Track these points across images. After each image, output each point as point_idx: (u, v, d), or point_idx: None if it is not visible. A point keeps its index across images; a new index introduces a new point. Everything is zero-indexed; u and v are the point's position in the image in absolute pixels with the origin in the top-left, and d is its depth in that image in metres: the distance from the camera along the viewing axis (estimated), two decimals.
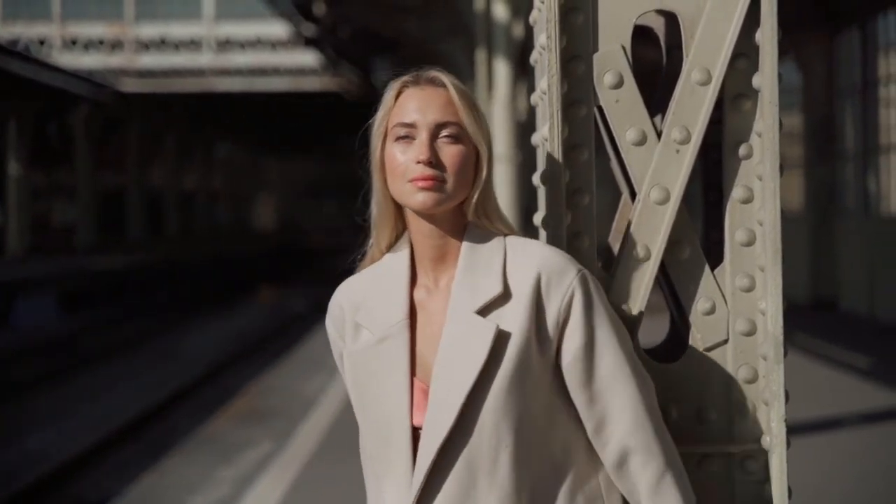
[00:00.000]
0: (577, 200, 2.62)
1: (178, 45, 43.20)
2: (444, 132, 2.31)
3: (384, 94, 2.38)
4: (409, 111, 2.33)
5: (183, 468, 11.67)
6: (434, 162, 2.28)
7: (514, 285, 2.31)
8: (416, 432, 2.31)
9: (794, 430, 2.68)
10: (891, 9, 17.42)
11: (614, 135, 2.64)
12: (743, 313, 2.67)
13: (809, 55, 19.60)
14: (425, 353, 2.34)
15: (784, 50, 3.55)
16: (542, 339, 2.30)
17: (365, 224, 2.46)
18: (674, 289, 2.67)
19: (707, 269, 2.66)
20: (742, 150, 2.68)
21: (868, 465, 8.65)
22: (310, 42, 31.81)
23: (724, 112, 2.69)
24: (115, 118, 44.23)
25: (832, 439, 9.31)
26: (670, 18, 2.81)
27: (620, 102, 2.63)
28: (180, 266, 38.87)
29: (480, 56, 13.86)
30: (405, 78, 2.38)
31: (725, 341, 2.66)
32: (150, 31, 43.18)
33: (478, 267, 2.33)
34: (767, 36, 2.60)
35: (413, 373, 2.33)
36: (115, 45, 43.12)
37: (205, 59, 43.14)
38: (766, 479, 2.64)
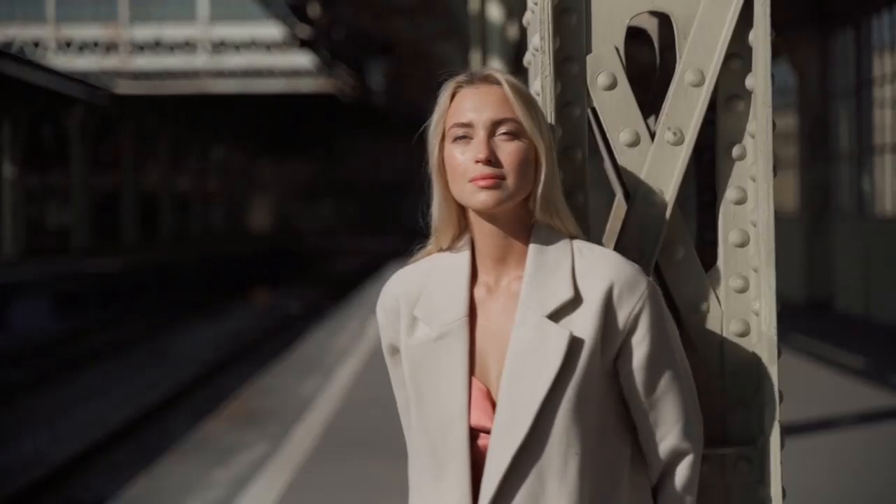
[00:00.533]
0: (571, 201, 2.61)
1: (172, 47, 43.20)
2: (502, 129, 2.29)
3: (439, 96, 2.38)
4: (464, 111, 2.31)
5: (177, 470, 11.65)
6: (493, 160, 2.27)
7: (585, 291, 2.29)
8: (471, 432, 2.29)
9: (788, 430, 2.67)
10: (885, 9, 17.43)
11: (608, 136, 2.64)
12: (737, 314, 2.66)
13: (803, 56, 19.61)
14: (485, 353, 2.32)
15: (778, 51, 3.57)
16: (606, 346, 2.29)
17: (422, 228, 2.44)
18: (668, 289, 2.66)
19: (701, 270, 2.66)
20: (735, 151, 2.67)
21: (863, 465, 8.65)
22: (304, 44, 31.79)
23: (718, 113, 2.69)
24: (109, 120, 44.22)
25: (826, 440, 9.31)
26: (663, 19, 2.81)
27: (614, 103, 2.63)
28: (174, 268, 38.85)
29: (475, 57, 13.85)
30: (459, 78, 2.37)
31: (720, 342, 2.66)
32: (144, 32, 43.19)
33: (546, 269, 2.31)
34: (760, 37, 2.60)
35: (471, 372, 2.31)
36: (110, 47, 43.11)
37: (199, 60, 43.15)
38: (761, 480, 2.63)
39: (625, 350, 2.31)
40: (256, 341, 23.50)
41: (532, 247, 2.33)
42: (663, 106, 2.65)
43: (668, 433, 2.36)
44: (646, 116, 2.69)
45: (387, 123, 53.90)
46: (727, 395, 2.66)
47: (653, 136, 2.64)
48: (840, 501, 7.66)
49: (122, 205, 47.26)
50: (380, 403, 11.83)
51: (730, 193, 2.68)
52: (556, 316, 2.28)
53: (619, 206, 2.81)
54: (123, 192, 47.24)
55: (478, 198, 2.27)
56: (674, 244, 2.65)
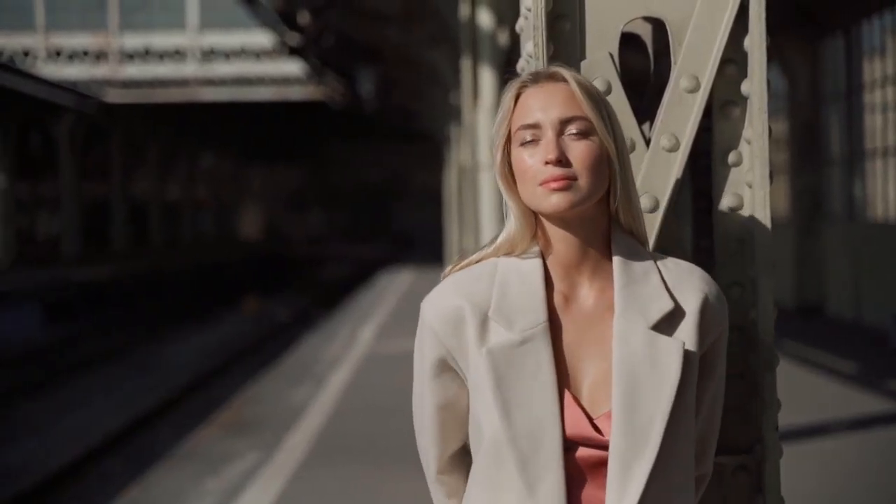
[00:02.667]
0: None
1: (162, 56, 43.15)
2: (571, 128, 2.18)
3: (502, 98, 2.28)
4: (530, 111, 2.21)
5: (168, 480, 11.62)
6: (563, 161, 2.17)
7: (683, 302, 2.23)
8: (565, 442, 2.17)
9: (781, 436, 2.65)
10: (875, 14, 17.46)
11: None
12: (733, 321, 2.63)
13: (794, 61, 19.64)
14: (572, 361, 2.22)
15: (769, 56, 3.60)
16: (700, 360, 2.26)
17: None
18: None
19: None
20: (731, 158, 2.66)
21: (855, 470, 8.65)
22: (294, 51, 31.80)
23: (713, 119, 2.67)
24: (99, 129, 44.17)
25: (817, 445, 9.31)
26: (658, 25, 2.79)
27: None
28: (165, 276, 38.82)
29: (465, 64, 13.85)
30: (523, 78, 2.26)
31: None
32: (134, 41, 43.13)
33: (636, 281, 2.23)
34: (756, 42, 2.59)
35: (559, 379, 2.20)
36: (100, 56, 43.05)
37: (189, 69, 43.10)
38: (759, 489, 2.61)
39: (703, 365, 2.27)
40: (247, 349, 23.46)
41: (617, 256, 2.24)
42: (658, 112, 2.63)
43: (701, 456, 2.35)
44: (640, 123, 2.67)
45: (377, 130, 53.90)
46: (725, 403, 2.61)
47: (648, 142, 2.62)
48: None
49: (112, 213, 47.22)
50: (373, 411, 11.81)
51: (726, 200, 2.66)
52: (659, 327, 2.20)
53: None
54: (113, 201, 47.19)
55: (549, 201, 2.17)
56: (669, 251, 2.62)
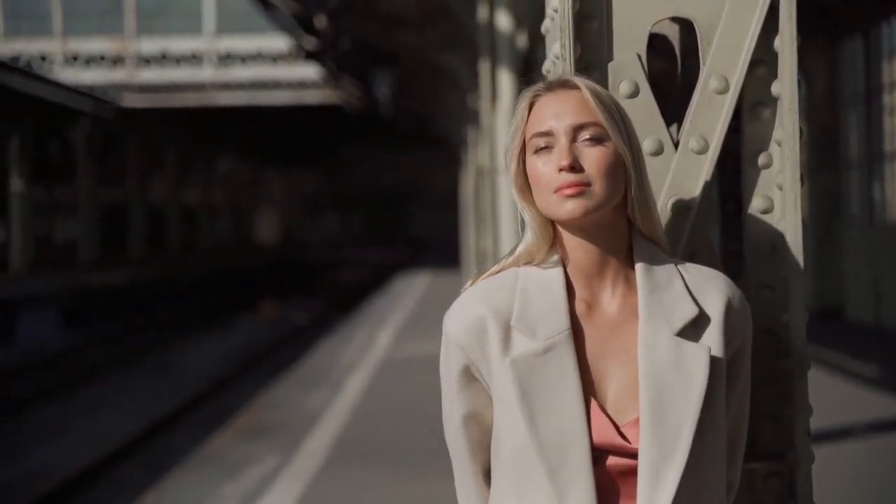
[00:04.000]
0: None
1: (179, 60, 43.21)
2: (584, 134, 2.18)
3: (516, 108, 2.27)
4: (544, 119, 2.21)
5: (185, 485, 11.61)
6: (576, 167, 2.16)
7: (707, 308, 2.22)
8: (593, 451, 2.15)
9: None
10: (893, 16, 17.38)
11: None
12: (764, 325, 2.60)
13: (812, 63, 19.56)
14: (594, 370, 2.20)
15: None
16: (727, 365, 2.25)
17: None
18: None
19: None
20: (761, 160, 2.63)
21: (878, 475, 8.59)
22: (311, 55, 31.76)
23: (743, 120, 2.64)
24: (116, 133, 44.24)
25: (840, 449, 9.24)
26: (685, 26, 2.75)
27: (636, 112, 2.57)
28: (182, 280, 38.86)
29: (484, 67, 13.82)
30: (536, 87, 2.27)
31: None
32: (150, 46, 43.20)
33: (660, 287, 2.22)
34: (786, 42, 2.55)
35: (585, 387, 2.19)
36: (117, 61, 43.13)
37: (206, 73, 43.15)
38: (791, 495, 2.58)
39: (729, 370, 2.25)
40: (264, 354, 23.46)
41: (639, 262, 2.23)
42: (687, 113, 2.60)
43: (730, 464, 2.33)
44: (667, 125, 2.64)
45: (393, 134, 53.90)
46: (756, 409, 2.59)
47: (676, 144, 2.58)
48: None
49: (130, 217, 47.25)
50: (390, 415, 11.79)
51: (756, 202, 2.62)
52: (685, 333, 2.19)
53: None
54: (130, 205, 47.23)
55: (564, 208, 2.16)
56: (698, 254, 2.59)
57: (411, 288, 31.96)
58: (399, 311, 24.22)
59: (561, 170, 2.16)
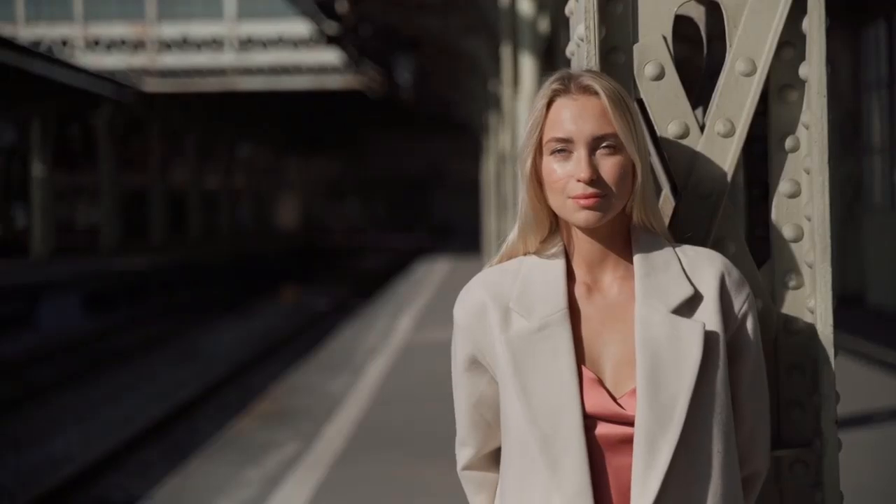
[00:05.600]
0: None
1: (199, 45, 43.26)
2: (603, 144, 2.23)
3: (534, 104, 2.30)
4: (563, 124, 2.24)
5: (208, 469, 11.61)
6: (595, 179, 2.21)
7: (701, 287, 2.27)
8: (586, 420, 2.21)
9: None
10: None
11: (655, 128, 2.54)
12: (791, 311, 2.58)
13: (835, 48, 19.44)
14: (594, 343, 2.26)
15: None
16: (726, 339, 2.27)
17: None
18: None
19: (753, 266, 2.57)
20: (788, 143, 2.59)
21: None
22: (332, 40, 31.77)
23: (770, 103, 2.60)
24: (137, 118, 44.32)
25: (864, 436, 9.20)
26: (712, 7, 2.72)
27: (662, 94, 2.54)
28: (203, 266, 38.92)
29: (505, 52, 13.78)
30: (555, 85, 2.28)
31: (773, 340, 2.57)
32: (171, 30, 43.26)
33: (657, 269, 2.28)
34: (815, 24, 2.52)
35: (580, 361, 2.25)
36: (138, 45, 43.22)
37: (227, 58, 43.20)
38: (817, 483, 2.55)
39: (731, 349, 2.29)
40: (286, 339, 23.48)
41: (637, 248, 2.30)
42: (713, 96, 2.57)
43: (750, 454, 2.36)
44: (692, 107, 2.60)
45: (414, 119, 53.90)
46: (782, 396, 2.57)
47: (702, 127, 2.55)
48: (882, 500, 7.55)
49: (151, 203, 47.37)
50: (411, 400, 11.79)
51: (783, 187, 2.59)
52: (680, 311, 2.25)
53: (667, 201, 2.72)
54: (151, 191, 47.34)
55: (580, 217, 2.23)
56: (724, 240, 2.56)
57: (432, 274, 31.94)
58: (420, 297, 24.22)
59: (579, 181, 2.21)
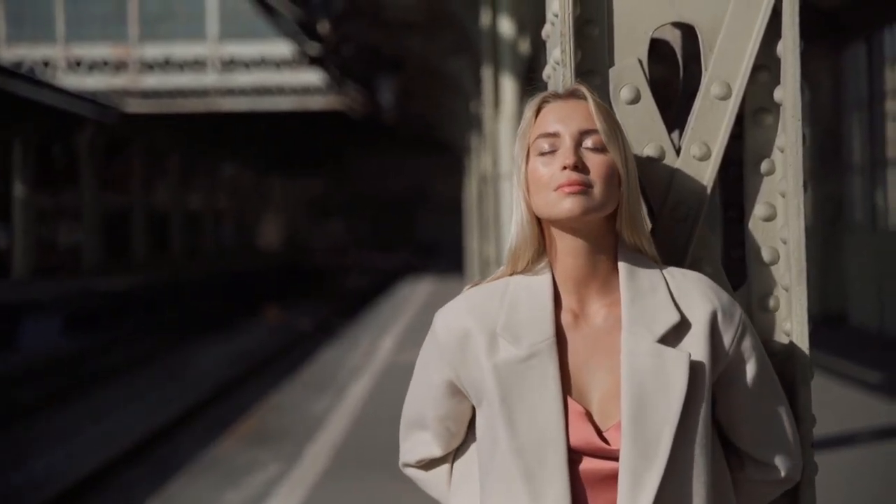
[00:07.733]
0: None
1: (182, 66, 43.21)
2: (589, 141, 2.25)
3: (524, 112, 2.33)
4: (550, 122, 2.27)
5: (189, 490, 11.59)
6: (580, 167, 2.22)
7: (689, 314, 2.26)
8: (571, 454, 2.20)
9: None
10: None
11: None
12: (767, 334, 2.59)
13: (815, 69, 19.53)
14: (581, 375, 2.24)
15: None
16: (714, 369, 2.26)
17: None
18: None
19: (729, 288, 2.58)
20: (764, 166, 2.60)
21: (882, 482, 8.55)
22: (314, 61, 31.78)
23: (745, 127, 2.62)
24: (119, 139, 44.25)
25: (842, 457, 9.21)
26: (687, 31, 2.74)
27: (638, 118, 2.55)
28: (186, 285, 38.85)
29: (487, 73, 13.81)
30: (545, 94, 2.33)
31: None
32: (154, 51, 43.21)
33: (643, 294, 2.26)
34: (789, 48, 2.54)
35: (566, 392, 2.23)
36: (120, 66, 43.14)
37: (209, 79, 43.15)
38: None
39: (729, 375, 2.29)
40: (268, 359, 23.44)
41: (623, 272, 2.28)
42: (689, 119, 2.58)
43: (779, 453, 2.37)
44: (668, 131, 2.62)
45: (397, 140, 53.89)
46: None
47: (678, 150, 2.57)
48: None
49: (133, 223, 47.29)
50: (394, 421, 11.76)
51: (758, 210, 2.60)
52: (666, 340, 2.23)
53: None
54: (134, 211, 47.27)
55: (563, 205, 2.21)
56: (701, 262, 2.57)
57: (415, 294, 31.94)
58: (403, 317, 24.21)
59: (564, 168, 2.21)
